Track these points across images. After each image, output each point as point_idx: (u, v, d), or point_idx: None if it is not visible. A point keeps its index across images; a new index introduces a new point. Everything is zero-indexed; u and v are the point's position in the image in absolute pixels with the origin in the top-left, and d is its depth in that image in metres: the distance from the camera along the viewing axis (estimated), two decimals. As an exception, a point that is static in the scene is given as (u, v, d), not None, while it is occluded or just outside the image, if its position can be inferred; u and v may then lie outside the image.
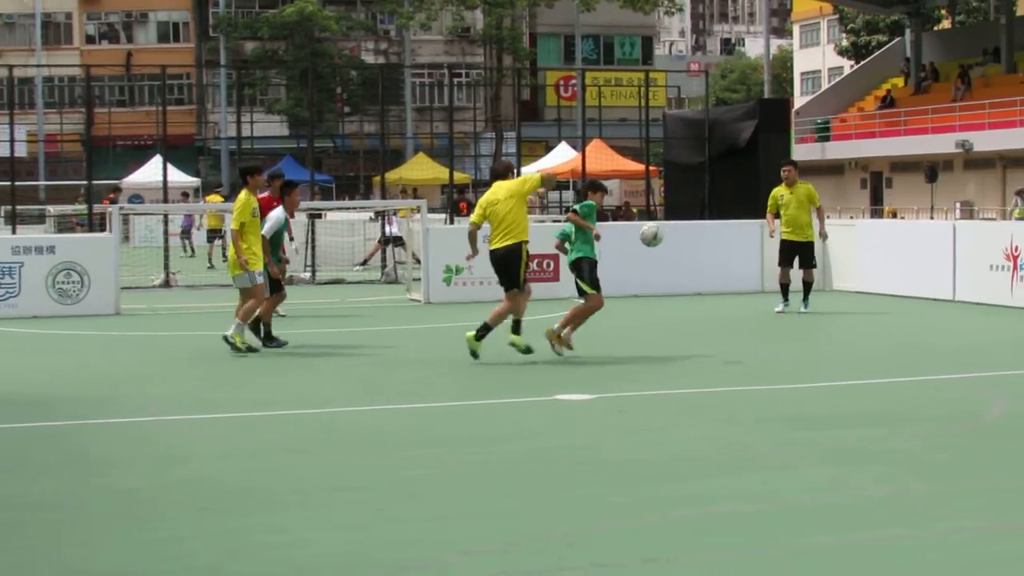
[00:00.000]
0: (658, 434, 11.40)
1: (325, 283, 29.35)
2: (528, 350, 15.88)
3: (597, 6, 71.49)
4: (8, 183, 31.22)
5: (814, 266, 21.97)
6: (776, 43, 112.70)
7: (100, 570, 7.53)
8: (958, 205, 49.70)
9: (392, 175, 52.52)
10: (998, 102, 51.22)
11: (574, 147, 46.83)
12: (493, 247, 16.05)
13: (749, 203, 28.26)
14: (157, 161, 45.58)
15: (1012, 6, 57.95)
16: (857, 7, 74.61)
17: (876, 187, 58.95)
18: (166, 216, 32.81)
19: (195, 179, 60.74)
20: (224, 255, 37.66)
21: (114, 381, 14.92)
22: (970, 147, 50.98)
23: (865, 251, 25.24)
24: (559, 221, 42.59)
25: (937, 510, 8.68)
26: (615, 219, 38.99)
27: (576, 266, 16.30)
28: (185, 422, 12.23)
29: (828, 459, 10.25)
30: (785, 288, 21.76)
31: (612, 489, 9.21)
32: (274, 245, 17.99)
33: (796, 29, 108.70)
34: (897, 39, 70.83)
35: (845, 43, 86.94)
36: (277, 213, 17.96)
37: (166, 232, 31.27)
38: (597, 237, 16.29)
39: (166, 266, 28.85)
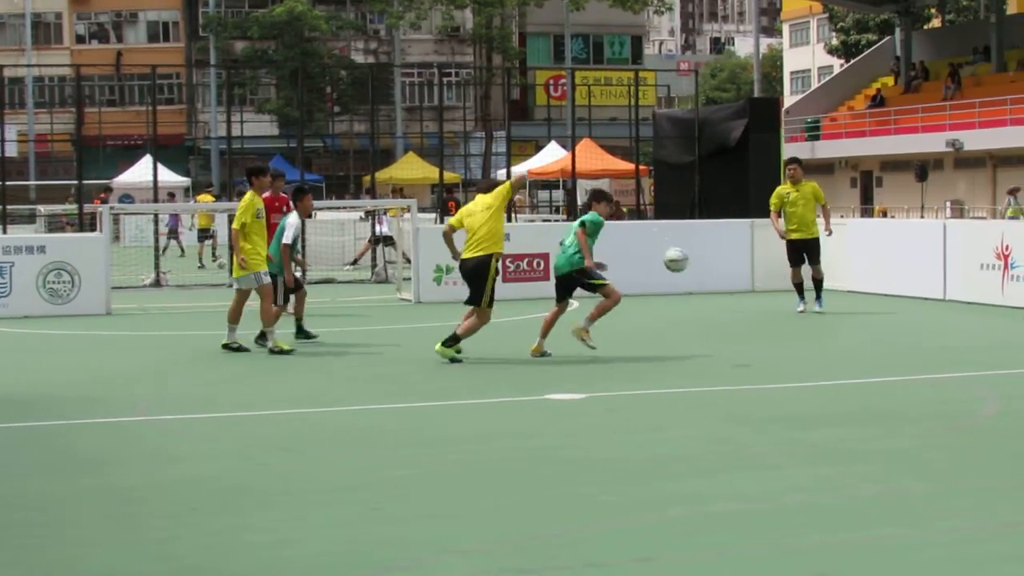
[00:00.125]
0: (650, 433, 11.39)
1: (315, 283, 29.29)
2: (453, 360, 15.85)
3: (587, 5, 71.44)
4: (-2, 183, 31.12)
5: (820, 261, 21.95)
6: (766, 42, 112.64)
7: (90, 570, 7.50)
8: (948, 204, 49.75)
9: (382, 175, 52.47)
10: (988, 101, 51.28)
11: (564, 146, 46.78)
12: (464, 257, 16.16)
13: (739, 202, 28.26)
14: (147, 161, 45.44)
15: (1002, 5, 58.05)
16: (847, 6, 74.68)
17: (866, 186, 59.01)
18: (156, 216, 32.79)
19: (185, 179, 60.68)
20: (214, 255, 37.87)
21: (104, 381, 14.89)
22: (960, 146, 51.03)
23: (855, 250, 25.23)
24: (549, 221, 42.82)
25: (931, 509, 8.67)
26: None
27: (582, 273, 16.11)
28: (175, 422, 12.19)
29: (821, 458, 10.23)
30: (799, 287, 21.80)
31: (604, 488, 9.19)
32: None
33: (786, 28, 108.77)
34: (887, 38, 70.87)
35: (835, 42, 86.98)
36: (294, 219, 17.95)
37: (156, 232, 31.27)
38: (602, 267, 16.34)
39: (156, 266, 28.83)
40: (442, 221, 32.69)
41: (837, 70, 77.26)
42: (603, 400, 13.15)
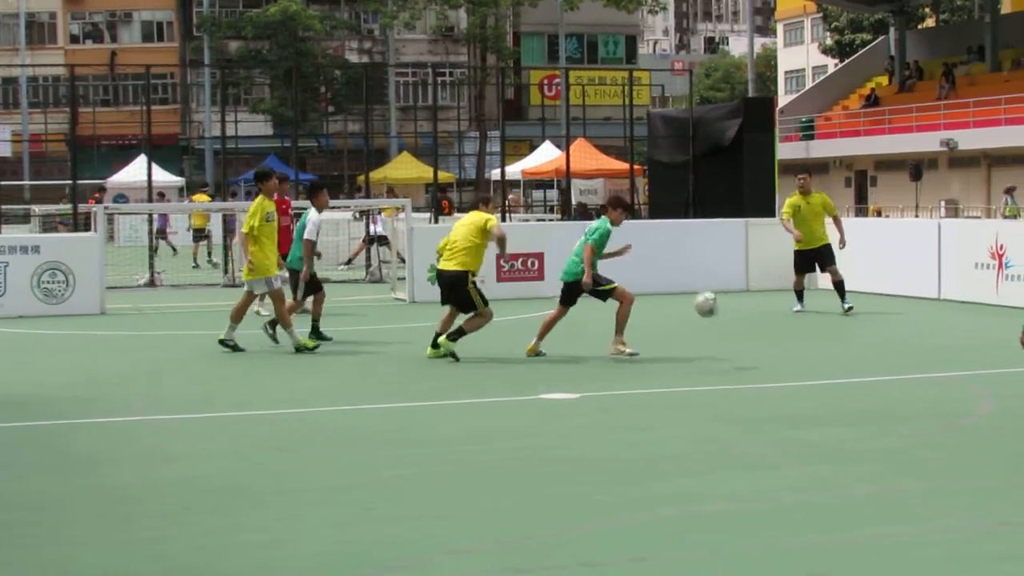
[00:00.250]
0: (644, 433, 11.38)
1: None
2: (452, 356, 15.81)
3: (581, 5, 71.34)
4: (-7, 183, 31.14)
5: (835, 263, 21.94)
6: (760, 41, 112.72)
7: (83, 569, 7.49)
8: (943, 203, 49.74)
9: (376, 174, 52.39)
10: (982, 100, 51.28)
11: (558, 146, 46.78)
12: (441, 267, 16.26)
13: (734, 202, 28.25)
14: (142, 161, 45.43)
15: (996, 5, 58.02)
16: (841, 5, 74.69)
17: (861, 186, 58.97)
18: (151, 216, 32.76)
19: (179, 179, 60.60)
20: (210, 255, 37.81)
21: (99, 381, 14.88)
22: (955, 145, 51.02)
23: (850, 250, 25.18)
24: (543, 220, 42.83)
25: (926, 508, 8.67)
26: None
27: (594, 280, 16.06)
28: (170, 422, 12.18)
29: (816, 458, 10.23)
30: (800, 293, 21.88)
31: (598, 488, 9.19)
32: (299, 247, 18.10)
33: (780, 28, 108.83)
34: (881, 37, 70.84)
35: (829, 41, 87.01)
36: (315, 216, 17.98)
37: (151, 232, 31.25)
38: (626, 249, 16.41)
39: (151, 265, 28.79)
40: (436, 221, 32.70)
41: (831, 70, 77.26)
42: (597, 400, 13.15)
